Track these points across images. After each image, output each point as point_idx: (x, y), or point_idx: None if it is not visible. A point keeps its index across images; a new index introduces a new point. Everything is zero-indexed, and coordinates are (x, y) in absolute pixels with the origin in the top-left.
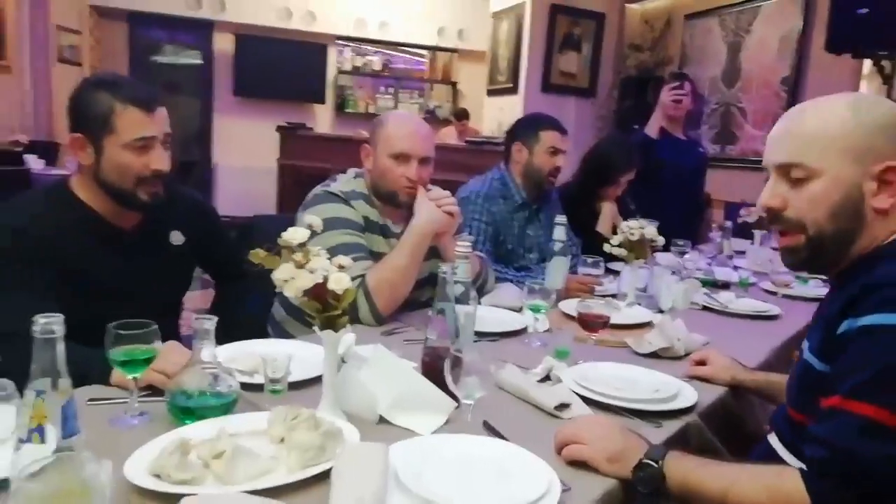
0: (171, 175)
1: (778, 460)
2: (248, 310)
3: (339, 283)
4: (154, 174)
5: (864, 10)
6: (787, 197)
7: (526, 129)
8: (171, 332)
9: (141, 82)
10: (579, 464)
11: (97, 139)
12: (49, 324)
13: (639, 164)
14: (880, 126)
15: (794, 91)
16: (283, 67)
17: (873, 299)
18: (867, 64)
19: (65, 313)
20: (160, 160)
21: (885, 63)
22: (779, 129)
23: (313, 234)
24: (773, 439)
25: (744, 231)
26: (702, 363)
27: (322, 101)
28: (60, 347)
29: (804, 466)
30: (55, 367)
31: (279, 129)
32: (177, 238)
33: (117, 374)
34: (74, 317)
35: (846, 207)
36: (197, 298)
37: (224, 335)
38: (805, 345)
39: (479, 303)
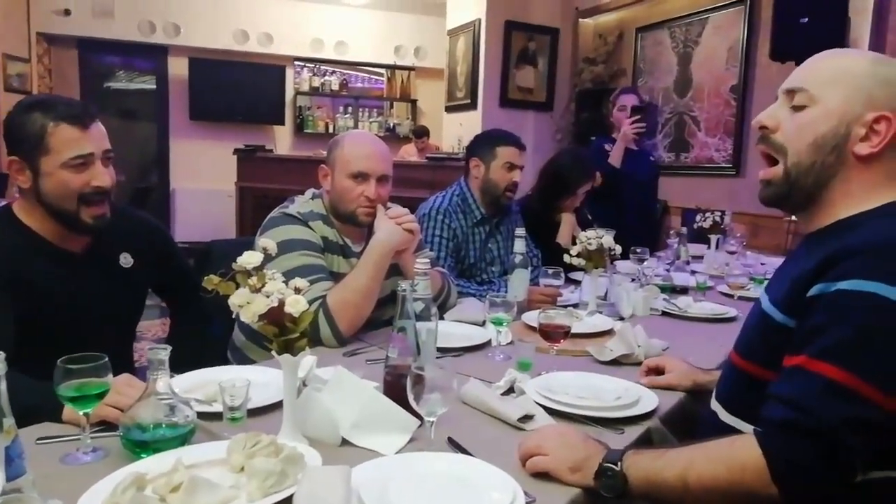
0: (120, 196)
1: (719, 425)
2: (208, 336)
3: (296, 305)
4: (95, 191)
5: (805, 20)
6: (781, 120)
7: (483, 144)
8: (125, 359)
9: (76, 100)
10: (544, 475)
11: (33, 161)
12: None
13: (594, 176)
14: (891, 80)
15: (743, 99)
16: (240, 90)
17: (850, 264)
18: None
19: (15, 341)
20: (100, 176)
21: None
22: (804, 63)
23: (268, 257)
24: (714, 404)
25: (700, 236)
26: (658, 370)
27: (281, 122)
28: (3, 386)
29: (744, 424)
30: None
31: (236, 151)
32: (126, 261)
33: (69, 409)
34: (25, 345)
35: (828, 142)
36: (157, 327)
37: (183, 363)
38: (764, 297)
39: (442, 318)
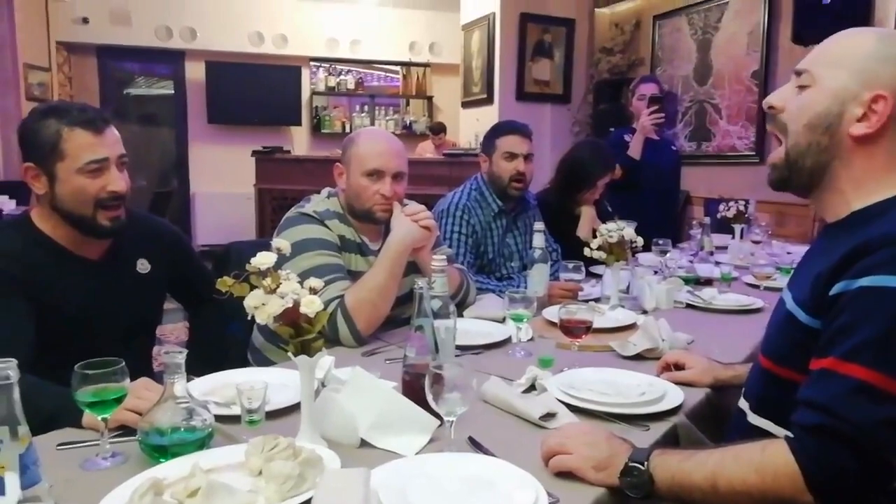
0: (140, 201)
1: (747, 426)
2: (228, 337)
3: (311, 305)
4: (111, 196)
5: (828, 1)
6: (788, 101)
7: (486, 139)
8: (144, 363)
9: (89, 105)
10: (568, 474)
11: (48, 167)
12: (3, 370)
13: (614, 167)
14: (893, 57)
15: (765, 84)
16: (257, 92)
17: (871, 260)
18: None
19: (35, 347)
20: (116, 181)
21: None
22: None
23: (283, 257)
24: (743, 403)
25: (724, 226)
26: (678, 366)
27: (298, 122)
28: (16, 393)
29: (775, 426)
30: (13, 414)
31: (254, 153)
32: (143, 266)
33: (89, 414)
34: (44, 351)
35: (821, 122)
36: (179, 330)
37: (203, 365)
38: (787, 295)
39: (461, 315)
